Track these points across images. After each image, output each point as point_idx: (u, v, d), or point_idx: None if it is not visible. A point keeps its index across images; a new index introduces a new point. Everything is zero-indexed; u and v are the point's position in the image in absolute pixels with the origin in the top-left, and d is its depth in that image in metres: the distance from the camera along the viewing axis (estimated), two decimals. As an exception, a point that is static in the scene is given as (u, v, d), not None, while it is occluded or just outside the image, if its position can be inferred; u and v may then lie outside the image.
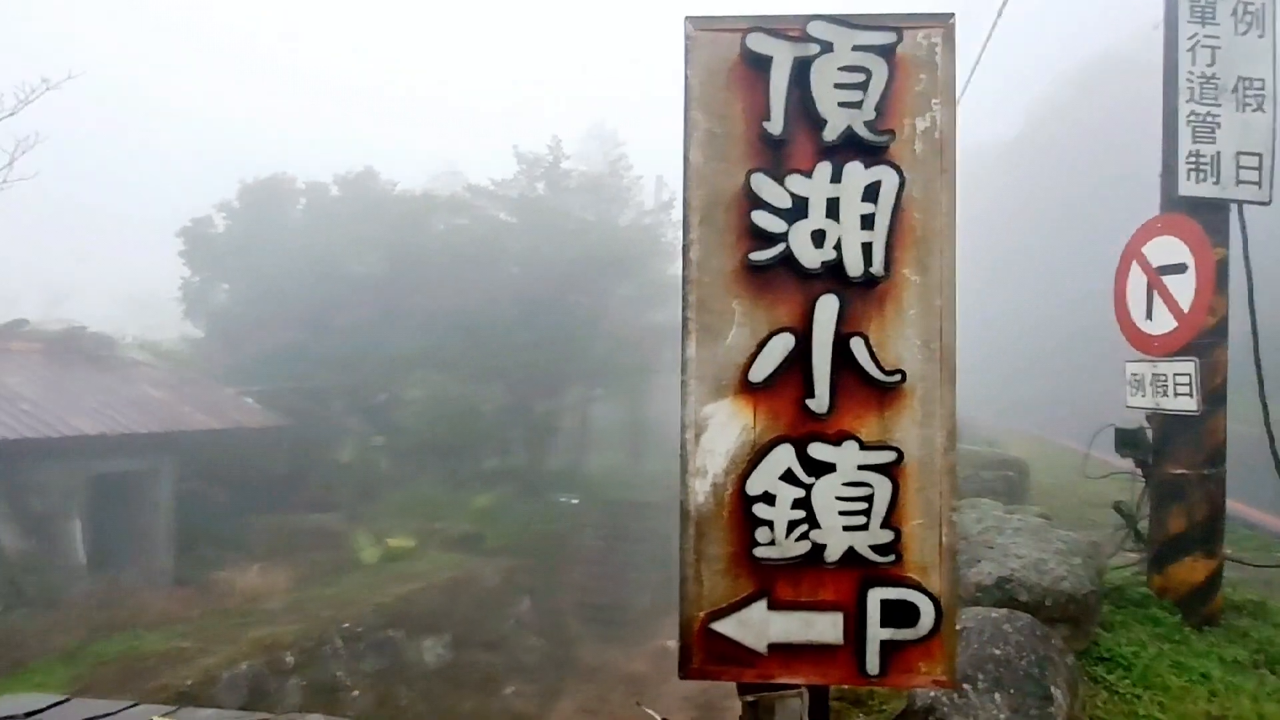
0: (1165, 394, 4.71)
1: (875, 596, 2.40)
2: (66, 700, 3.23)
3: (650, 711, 2.84)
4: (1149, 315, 4.85)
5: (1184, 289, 4.61)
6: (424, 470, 17.87)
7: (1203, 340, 4.67)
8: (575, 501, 18.07)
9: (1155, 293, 4.81)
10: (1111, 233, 5.51)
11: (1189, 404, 4.58)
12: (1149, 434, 5.01)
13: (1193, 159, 4.62)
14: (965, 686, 3.20)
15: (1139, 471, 5.23)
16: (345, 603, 11.31)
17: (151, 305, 24.23)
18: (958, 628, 3.56)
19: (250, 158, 26.08)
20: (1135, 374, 4.97)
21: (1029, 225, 41.42)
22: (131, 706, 3.16)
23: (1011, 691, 3.13)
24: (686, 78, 2.47)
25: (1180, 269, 4.64)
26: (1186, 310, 4.61)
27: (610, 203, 21.99)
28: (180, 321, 21.29)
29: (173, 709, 3.07)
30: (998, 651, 3.27)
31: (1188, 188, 4.64)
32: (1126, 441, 5.09)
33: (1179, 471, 4.86)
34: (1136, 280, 4.97)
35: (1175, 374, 4.64)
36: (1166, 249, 4.75)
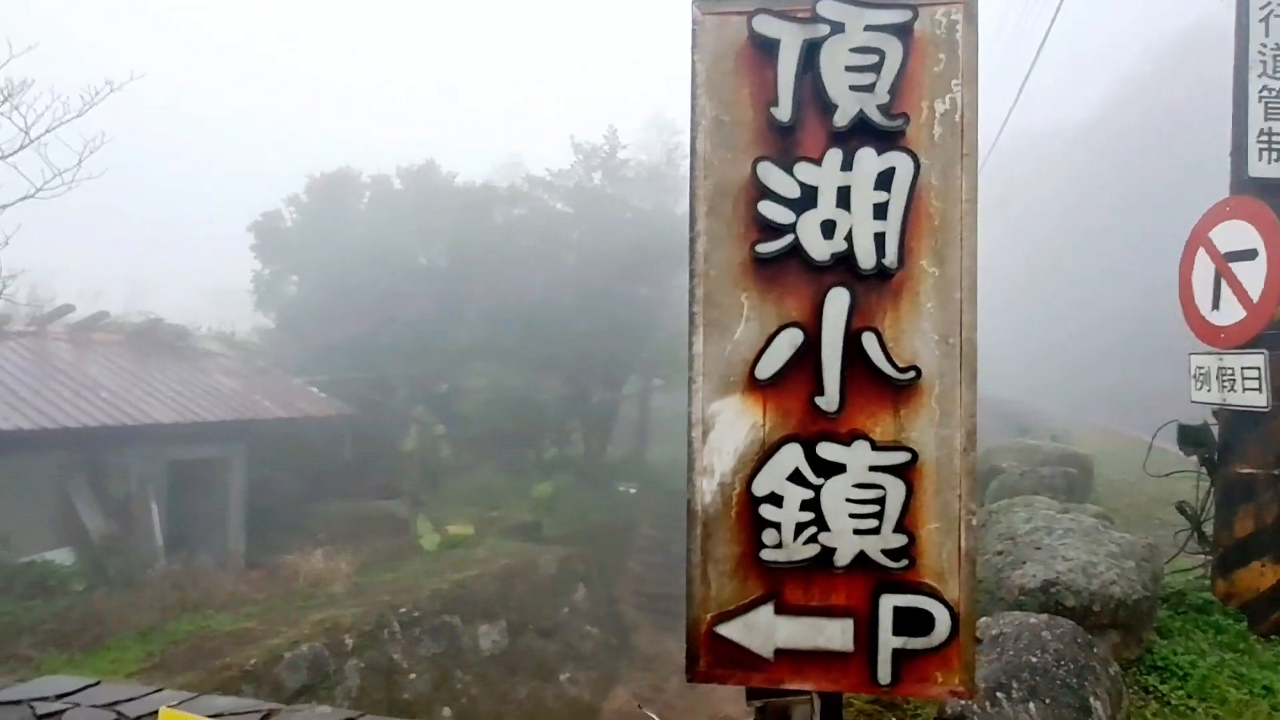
0: (1232, 388, 4.43)
1: (888, 603, 2.30)
2: (96, 684, 3.36)
3: (651, 715, 2.80)
4: (1215, 305, 4.56)
5: (1254, 276, 4.32)
6: (484, 459, 18.15)
7: (1273, 331, 4.38)
8: (633, 491, 18.12)
9: (1223, 280, 4.52)
10: (1190, 218, 5.21)
11: (1258, 399, 4.30)
12: (1214, 430, 4.72)
13: (1264, 138, 4.32)
14: (998, 695, 3.07)
15: (1205, 470, 4.94)
16: (404, 588, 11.55)
17: (226, 298, 25.13)
18: (994, 633, 3.42)
19: (312, 154, 26.73)
20: (1200, 367, 4.68)
21: (1107, 209, 39.72)
22: (156, 692, 3.26)
23: (1047, 701, 2.99)
24: (693, 64, 2.39)
25: (1250, 255, 4.35)
26: (1256, 299, 4.32)
27: (668, 192, 21.87)
28: (252, 313, 22.06)
29: (192, 695, 3.16)
30: (1034, 659, 3.12)
31: (1259, 168, 4.34)
32: (1190, 438, 4.81)
33: (1247, 471, 4.57)
34: (1203, 267, 4.68)
35: (1243, 367, 4.36)
36: (1235, 234, 4.45)
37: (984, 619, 3.54)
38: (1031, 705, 2.98)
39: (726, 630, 2.37)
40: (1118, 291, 35.43)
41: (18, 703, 3.32)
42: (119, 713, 3.23)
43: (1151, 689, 3.63)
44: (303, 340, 19.41)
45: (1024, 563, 3.99)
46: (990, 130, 20.41)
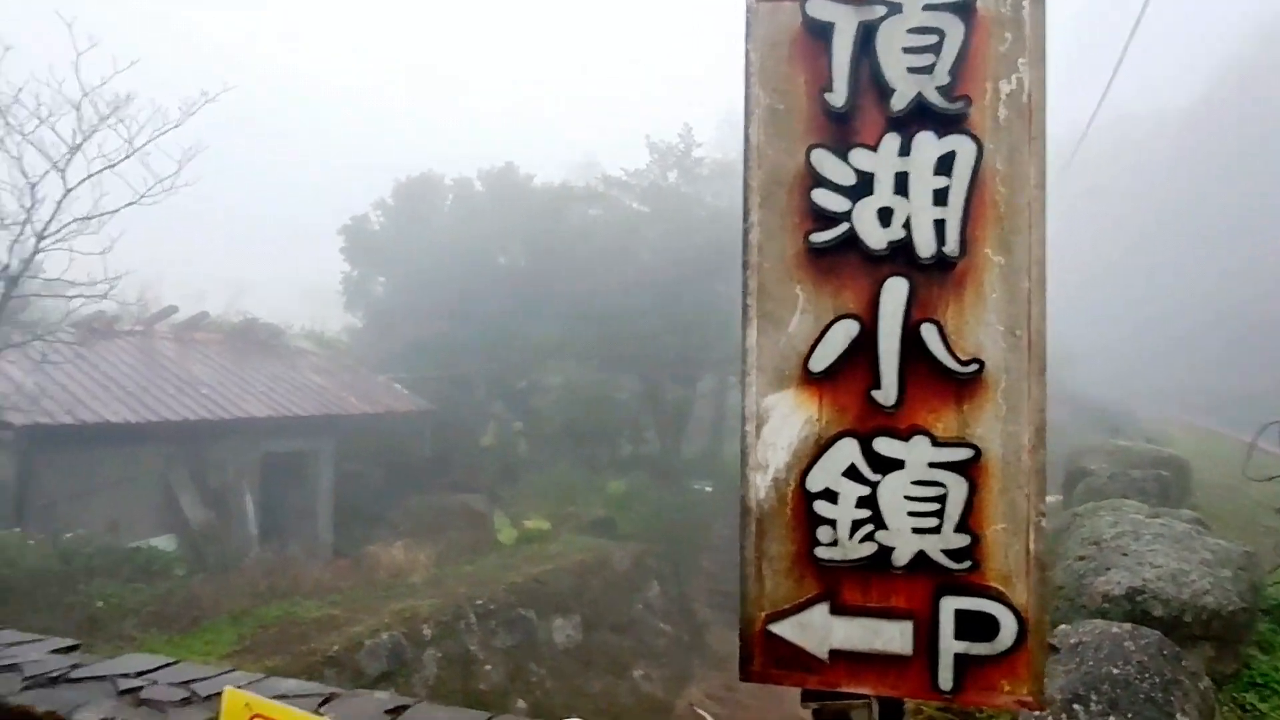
0: (1346, 386, 4.11)
1: (949, 606, 2.21)
2: (174, 663, 3.53)
3: (703, 713, 2.78)
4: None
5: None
6: (561, 455, 18.36)
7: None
8: (709, 489, 18.05)
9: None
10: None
11: (1376, 398, 3.97)
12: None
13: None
14: (1075, 707, 2.92)
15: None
16: (481, 580, 11.78)
17: (317, 298, 26.14)
18: (1072, 642, 3.25)
19: (394, 158, 27.50)
20: (1310, 363, 4.37)
21: (1210, 199, 37.52)
22: (228, 673, 3.41)
23: (1129, 716, 2.82)
24: (746, 53, 2.34)
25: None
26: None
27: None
28: (342, 313, 22.90)
29: (261, 677, 3.28)
30: (1116, 670, 2.96)
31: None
32: (1298, 440, 4.49)
33: (1364, 475, 4.23)
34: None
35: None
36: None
37: (1062, 626, 3.38)
38: (1111, 719, 2.83)
39: (780, 629, 2.32)
40: (1221, 287, 33.48)
41: (102, 678, 3.53)
42: (192, 691, 3.38)
43: (1249, 707, 3.39)
44: (388, 338, 20.04)
45: (1108, 569, 3.79)
46: (1082, 115, 19.53)
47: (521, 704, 10.74)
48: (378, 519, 14.26)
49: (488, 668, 10.61)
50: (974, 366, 2.16)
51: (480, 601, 10.98)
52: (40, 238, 9.26)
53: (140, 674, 3.45)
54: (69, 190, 9.26)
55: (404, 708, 3.10)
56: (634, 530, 15.70)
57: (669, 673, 12.92)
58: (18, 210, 9.20)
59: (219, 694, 3.33)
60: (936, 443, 2.19)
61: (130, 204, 9.69)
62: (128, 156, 9.53)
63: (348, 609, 10.52)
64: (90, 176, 9.34)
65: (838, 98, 2.21)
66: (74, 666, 3.73)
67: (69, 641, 4.14)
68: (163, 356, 14.07)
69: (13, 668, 3.69)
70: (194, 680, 3.42)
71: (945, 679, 2.20)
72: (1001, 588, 2.18)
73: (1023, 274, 2.16)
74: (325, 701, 3.16)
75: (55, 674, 3.64)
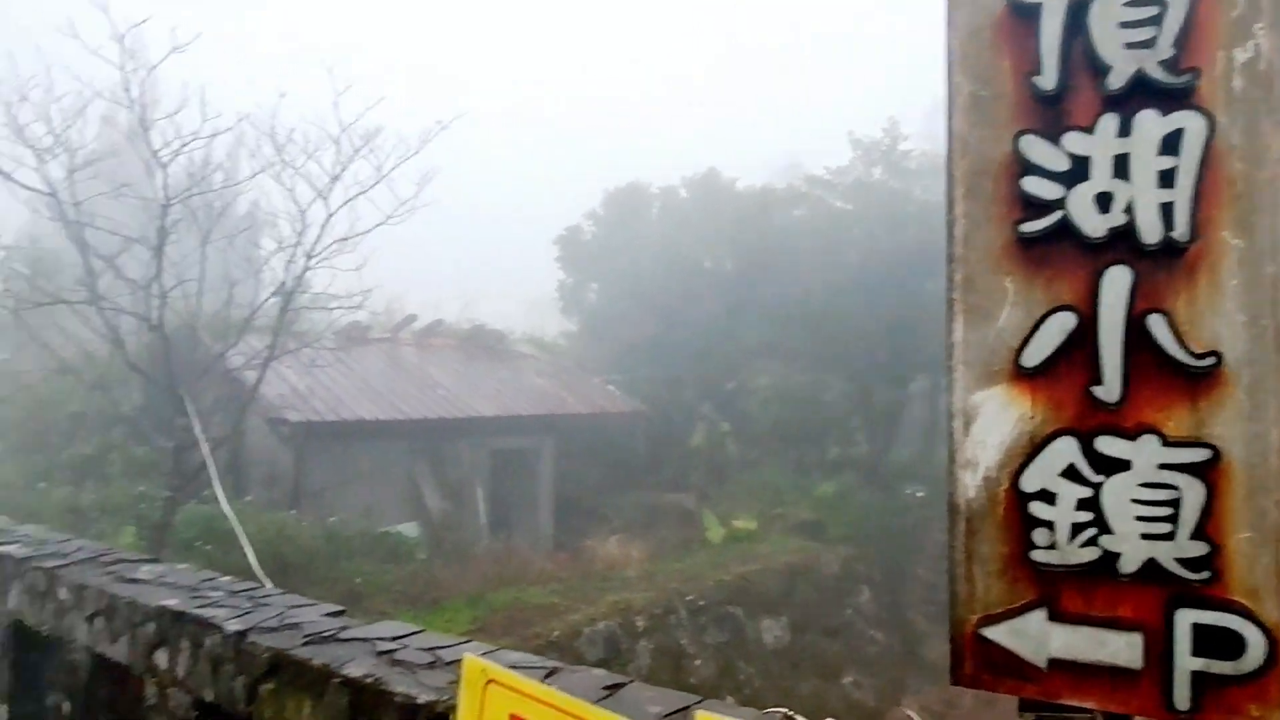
0: None
1: (1185, 619, 2.04)
2: (422, 631, 3.97)
3: (910, 714, 2.72)
4: None
5: None
6: (769, 456, 18.33)
7: None
8: (921, 494, 17.27)
9: None
10: None
11: None
12: None
13: None
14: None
15: None
16: (691, 577, 12.06)
17: (536, 306, 27.81)
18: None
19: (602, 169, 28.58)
20: None
21: None
22: (465, 643, 3.79)
23: None
24: (948, 41, 2.30)
25: None
26: None
27: (955, 182, 20.55)
28: (558, 319, 24.25)
29: (493, 649, 3.61)
30: None
31: None
32: None
33: None
34: None
35: None
36: None
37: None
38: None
39: (993, 634, 2.24)
40: None
41: (364, 640, 4.06)
42: (437, 656, 3.81)
43: None
44: (602, 342, 20.98)
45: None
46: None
47: (731, 701, 10.88)
48: (594, 514, 14.98)
49: (697, 662, 10.84)
50: (1210, 360, 1.99)
51: (690, 597, 11.25)
52: (309, 257, 10.67)
53: (394, 639, 3.94)
54: (330, 215, 10.62)
55: (619, 685, 3.31)
56: (843, 534, 15.36)
57: (881, 682, 12.53)
58: (290, 235, 10.68)
59: (459, 660, 3.75)
60: (1167, 442, 2.03)
61: (379, 224, 10.92)
62: (377, 183, 10.76)
63: (568, 598, 11.17)
64: (347, 202, 10.65)
65: (1047, 80, 2.12)
66: (342, 629, 4.31)
67: (336, 608, 4.78)
68: (406, 361, 15.67)
69: (294, 626, 4.34)
70: (438, 647, 3.86)
71: (1181, 698, 2.04)
72: (1247, 602, 1.99)
73: (1266, 258, 1.96)
74: (549, 674, 3.45)
75: (327, 634, 4.22)
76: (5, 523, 7.86)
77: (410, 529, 13.26)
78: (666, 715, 2.96)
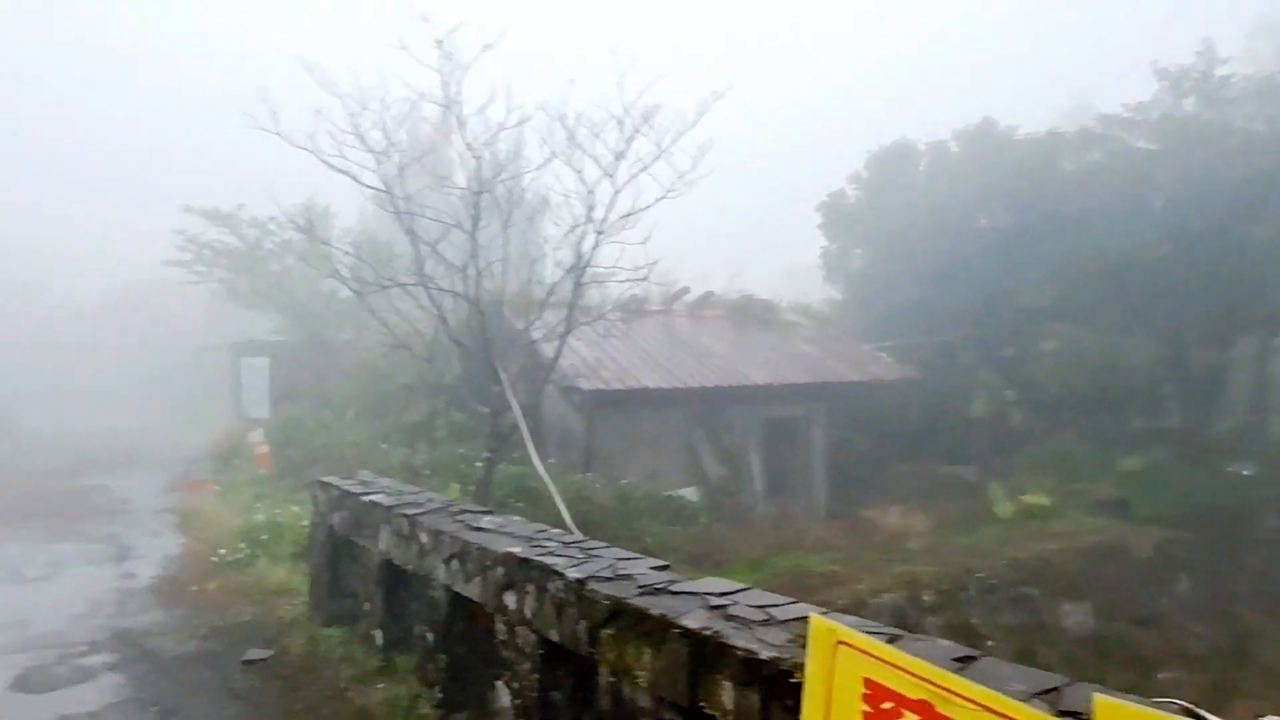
0: None
1: None
2: (747, 589, 4.23)
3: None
4: None
5: None
6: (1059, 427, 16.95)
7: None
8: (1248, 473, 15.11)
9: None
10: None
11: None
12: None
13: None
14: None
15: None
16: (980, 553, 11.54)
17: (798, 275, 27.64)
18: None
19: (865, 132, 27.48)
20: None
21: None
22: (793, 603, 3.98)
23: None
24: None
25: None
26: None
27: (1287, 108, 17.41)
28: (822, 286, 23.93)
29: (825, 611, 3.74)
30: None
31: None
32: None
33: None
34: None
35: None
36: None
37: None
38: None
39: None
40: None
41: (694, 594, 4.36)
42: (769, 614, 4.00)
43: None
44: (868, 308, 20.45)
45: None
46: None
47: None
48: (867, 484, 14.79)
49: (990, 643, 10.38)
50: None
51: (981, 574, 10.79)
52: (598, 234, 11.40)
53: (723, 594, 4.23)
54: (616, 192, 11.24)
55: (971, 658, 3.29)
56: (1154, 514, 13.87)
57: (1207, 681, 11.20)
58: (581, 214, 11.44)
59: (793, 620, 3.93)
60: None
61: (660, 199, 11.36)
62: (657, 159, 11.20)
63: (849, 567, 11.15)
64: (632, 178, 11.19)
65: None
66: (670, 582, 4.67)
67: (661, 562, 5.17)
68: (681, 331, 16.34)
69: (627, 577, 4.78)
70: (768, 605, 4.07)
71: None
72: None
73: None
74: (890, 640, 3.51)
75: (659, 586, 4.60)
76: (369, 475, 9.39)
77: (691, 493, 13.90)
78: (1035, 694, 2.92)
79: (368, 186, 11.52)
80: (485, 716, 6.18)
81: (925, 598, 10.38)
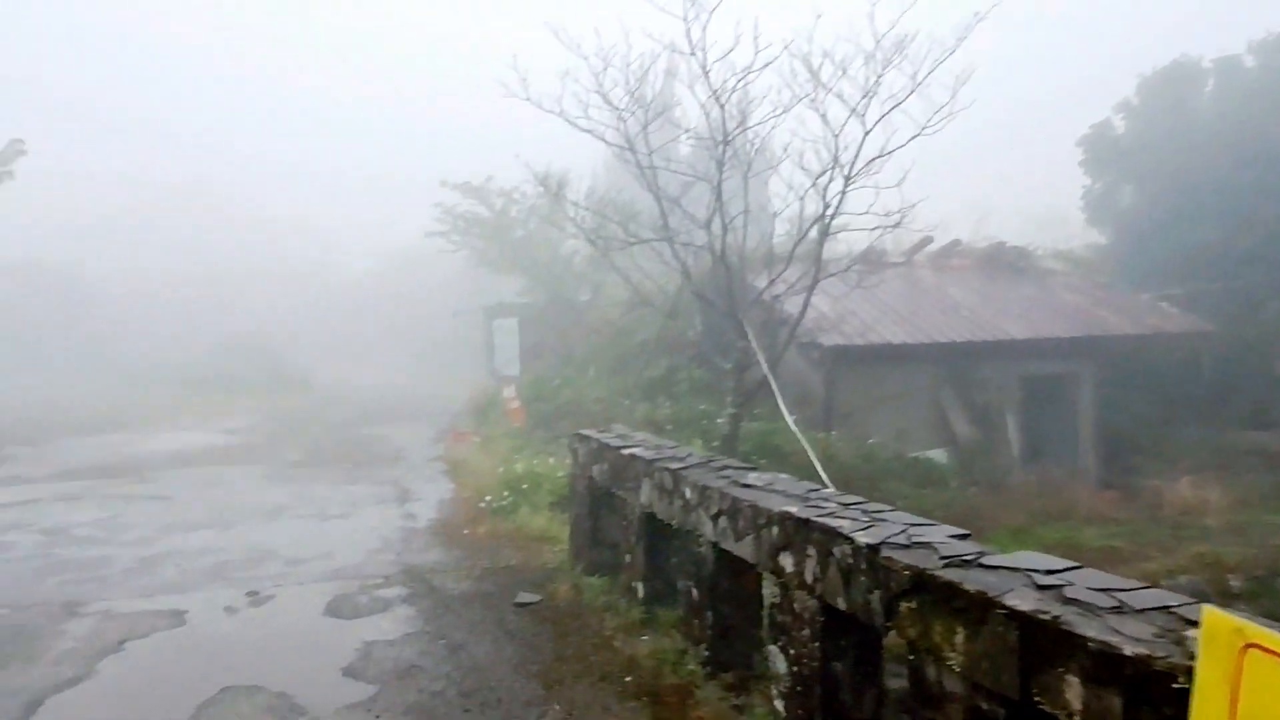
0: None
1: None
2: (1079, 567, 3.66)
3: None
4: None
5: None
6: (1399, 390, 14.18)
7: None
8: None
9: None
10: None
11: None
12: None
13: None
14: None
15: None
16: (1303, 534, 9.92)
17: (1052, 219, 25.09)
18: None
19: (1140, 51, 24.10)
20: None
21: None
22: (1147, 588, 3.40)
23: None
24: None
25: None
26: None
27: None
28: (1084, 230, 21.53)
29: (1191, 601, 3.18)
30: None
31: None
32: None
33: None
34: None
35: None
36: None
37: None
38: None
39: None
40: None
41: (1014, 569, 3.81)
42: (1119, 600, 3.42)
43: None
44: (1144, 252, 18.12)
45: None
46: None
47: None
48: (1147, 450, 13.20)
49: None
50: None
51: (1306, 558, 9.25)
52: (846, 180, 10.74)
53: (1049, 572, 3.69)
54: (867, 133, 10.50)
55: None
56: None
57: None
58: (827, 159, 10.82)
59: (1152, 609, 3.40)
60: None
61: (915, 136, 10.46)
62: (912, 92, 10.30)
63: (1133, 543, 9.99)
64: (884, 116, 10.39)
65: None
66: (979, 554, 4.16)
67: (961, 530, 4.68)
68: (924, 283, 15.31)
69: (926, 545, 4.33)
70: (1113, 589, 3.50)
71: None
72: None
73: None
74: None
75: (968, 557, 4.11)
76: (624, 429, 9.58)
77: (940, 455, 13.10)
78: None
79: (611, 144, 11.62)
80: (753, 679, 6.07)
81: (1232, 582, 9.05)
